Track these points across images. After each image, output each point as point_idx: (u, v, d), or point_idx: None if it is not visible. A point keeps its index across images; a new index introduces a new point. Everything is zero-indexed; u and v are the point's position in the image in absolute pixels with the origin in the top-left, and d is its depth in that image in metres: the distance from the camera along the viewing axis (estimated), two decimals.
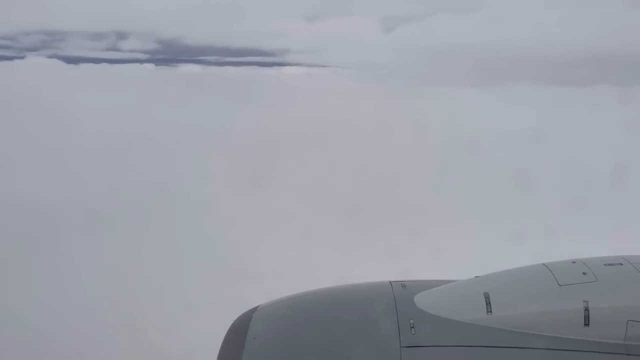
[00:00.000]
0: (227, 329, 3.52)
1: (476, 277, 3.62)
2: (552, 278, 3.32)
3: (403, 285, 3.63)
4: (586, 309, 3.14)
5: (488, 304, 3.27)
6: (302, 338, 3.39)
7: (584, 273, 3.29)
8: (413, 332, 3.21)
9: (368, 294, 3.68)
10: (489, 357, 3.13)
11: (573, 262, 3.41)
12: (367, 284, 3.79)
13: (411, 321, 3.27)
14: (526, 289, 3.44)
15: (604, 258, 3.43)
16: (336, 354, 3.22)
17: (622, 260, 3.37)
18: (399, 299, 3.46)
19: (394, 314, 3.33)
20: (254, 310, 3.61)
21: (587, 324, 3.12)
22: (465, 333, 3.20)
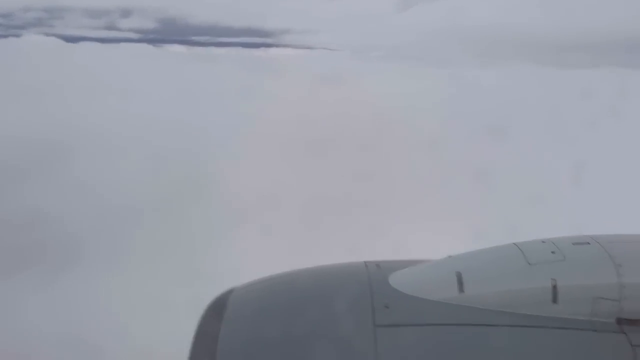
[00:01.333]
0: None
1: (449, 256, 3.63)
2: (522, 257, 3.34)
3: (377, 265, 3.62)
4: (554, 287, 3.17)
5: (460, 283, 3.29)
6: (277, 318, 3.36)
7: (552, 252, 3.32)
8: (387, 312, 3.21)
9: (343, 274, 3.67)
10: (460, 334, 3.15)
11: (543, 242, 3.43)
12: (341, 265, 3.77)
13: (385, 300, 3.26)
14: (497, 268, 3.46)
15: (573, 237, 3.46)
16: (311, 333, 3.20)
17: (589, 239, 3.41)
18: (373, 278, 3.45)
19: (368, 294, 3.33)
20: (229, 291, 3.56)
21: (555, 301, 3.16)
22: (438, 311, 3.21)
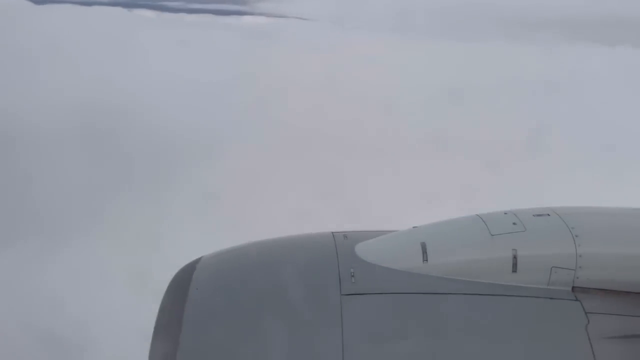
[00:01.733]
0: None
1: (414, 227, 3.68)
2: (484, 228, 3.41)
3: (345, 235, 3.65)
4: (514, 257, 3.25)
5: (424, 252, 3.34)
6: (244, 287, 3.38)
7: (514, 223, 3.39)
8: (353, 281, 3.25)
9: (310, 244, 3.69)
10: (424, 302, 3.22)
11: (505, 213, 3.51)
12: (309, 235, 3.79)
13: (351, 270, 3.30)
14: (460, 239, 3.52)
15: (534, 209, 3.54)
16: (278, 302, 3.22)
17: (549, 211, 3.49)
18: (340, 248, 3.48)
19: (335, 263, 3.36)
20: (197, 261, 3.55)
21: (515, 270, 3.25)
22: (403, 280, 3.26)
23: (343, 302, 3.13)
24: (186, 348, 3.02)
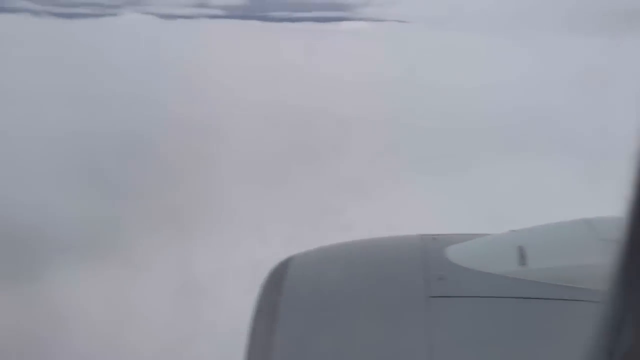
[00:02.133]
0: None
1: (511, 230, 3.51)
2: (592, 233, 3.17)
3: (434, 238, 3.57)
4: None
5: (522, 256, 3.17)
6: (336, 285, 3.43)
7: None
8: (442, 283, 3.17)
9: (399, 246, 3.66)
10: (518, 307, 3.06)
11: (614, 218, 3.24)
12: (397, 237, 3.76)
13: (441, 272, 3.22)
14: (563, 243, 3.31)
15: None
16: (367, 302, 3.24)
17: None
18: (429, 250, 3.41)
19: (424, 265, 3.30)
20: (289, 259, 3.66)
21: None
22: (496, 284, 3.12)
23: (431, 303, 3.06)
24: (283, 344, 3.12)
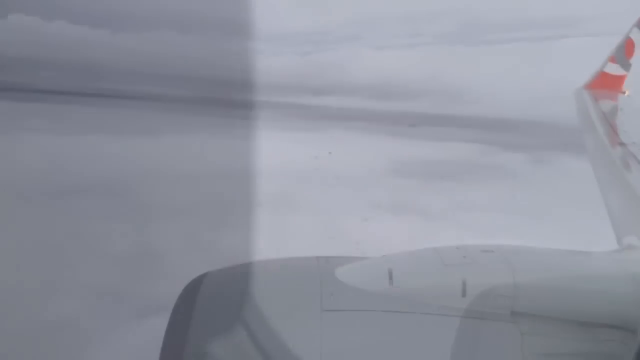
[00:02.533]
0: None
1: (383, 255, 4.37)
2: (439, 259, 4.11)
3: (327, 260, 4.33)
4: (464, 284, 3.93)
5: (390, 277, 4.02)
6: (243, 303, 3.96)
7: (464, 257, 4.10)
8: (332, 298, 3.93)
9: (297, 266, 4.36)
10: (388, 319, 3.90)
11: (457, 248, 4.22)
12: (296, 258, 4.45)
13: (331, 289, 3.99)
14: (418, 267, 4.21)
15: (481, 246, 4.24)
16: (268, 318, 3.85)
17: (495, 248, 4.20)
18: (322, 271, 4.16)
19: (318, 284, 4.04)
20: (203, 275, 4.18)
21: (464, 295, 3.93)
22: (371, 300, 3.94)
23: (324, 316, 3.81)
24: (193, 352, 3.63)
